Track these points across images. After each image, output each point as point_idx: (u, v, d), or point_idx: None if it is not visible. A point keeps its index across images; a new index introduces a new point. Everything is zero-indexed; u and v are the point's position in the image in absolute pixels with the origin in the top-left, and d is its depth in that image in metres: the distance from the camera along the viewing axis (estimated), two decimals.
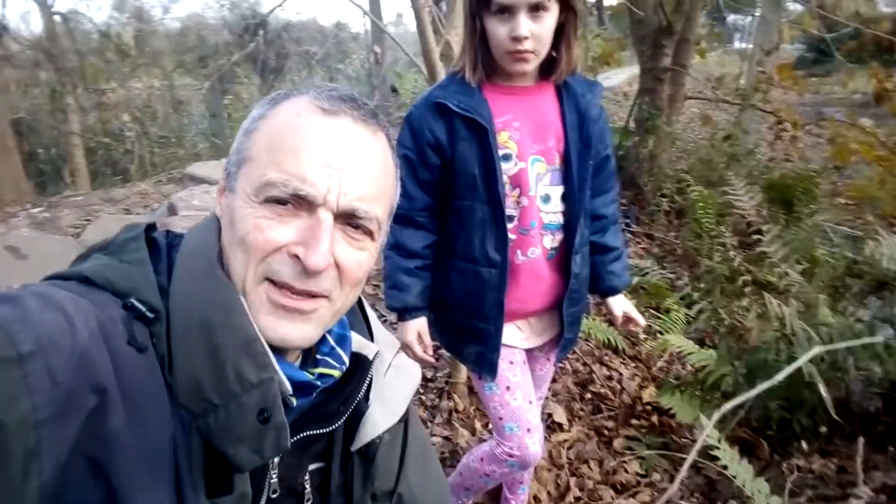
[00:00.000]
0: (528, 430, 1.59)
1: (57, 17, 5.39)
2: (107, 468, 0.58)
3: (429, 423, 2.42)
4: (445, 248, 1.58)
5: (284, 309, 0.70)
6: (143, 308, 0.65)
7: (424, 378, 2.65)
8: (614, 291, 1.70)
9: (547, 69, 1.47)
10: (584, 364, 3.06)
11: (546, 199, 1.50)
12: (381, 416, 0.85)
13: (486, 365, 1.58)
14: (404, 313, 1.59)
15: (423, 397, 2.58)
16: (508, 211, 1.47)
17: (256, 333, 0.68)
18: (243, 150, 0.73)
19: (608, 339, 3.19)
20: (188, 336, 0.66)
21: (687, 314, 3.39)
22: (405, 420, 0.92)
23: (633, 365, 3.23)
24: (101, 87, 6.01)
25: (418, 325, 1.60)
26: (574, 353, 3.11)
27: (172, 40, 16.96)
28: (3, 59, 5.08)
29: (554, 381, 2.88)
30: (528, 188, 1.47)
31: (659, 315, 3.46)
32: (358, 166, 0.71)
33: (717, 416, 0.87)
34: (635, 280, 3.42)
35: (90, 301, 0.63)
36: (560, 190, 1.51)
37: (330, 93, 0.75)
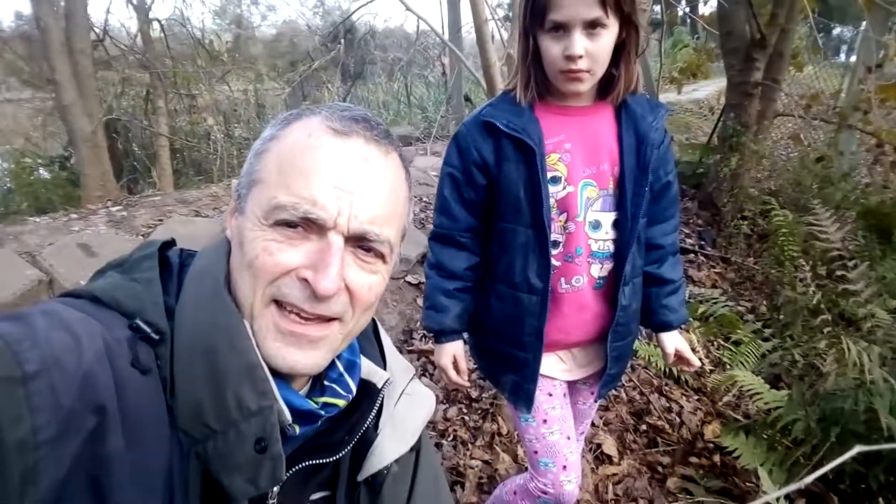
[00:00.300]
0: (565, 467, 1.50)
1: (155, 24, 5.78)
2: (104, 488, 0.57)
3: (469, 445, 2.35)
4: (487, 271, 1.52)
5: (293, 335, 0.69)
6: (148, 330, 0.65)
7: (469, 398, 2.59)
8: (668, 327, 1.58)
9: (606, 89, 1.38)
10: (641, 393, 2.90)
11: (595, 225, 1.40)
12: (390, 446, 0.83)
13: (521, 395, 1.50)
14: (440, 335, 1.54)
15: (466, 417, 2.51)
16: (554, 236, 1.39)
17: (258, 359, 0.67)
18: (254, 172, 0.72)
19: (669, 368, 3.01)
20: (191, 359, 0.65)
21: (761, 345, 3.16)
22: (417, 449, 0.90)
23: (695, 398, 3.02)
24: (192, 92, 6.37)
25: (454, 349, 1.55)
26: (630, 380, 2.96)
27: (268, 46, 17.78)
28: (103, 63, 5.48)
29: (606, 409, 2.74)
30: (575, 213, 1.38)
31: (728, 346, 3.24)
32: (369, 188, 0.70)
33: (786, 490, 0.77)
34: (701, 309, 3.21)
35: (98, 321, 0.63)
36: (612, 216, 1.41)
37: (342, 113, 0.73)
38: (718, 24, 5.25)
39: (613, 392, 2.84)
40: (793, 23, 5.00)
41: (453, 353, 1.55)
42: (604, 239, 1.41)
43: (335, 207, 0.67)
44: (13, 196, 4.91)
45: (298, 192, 0.67)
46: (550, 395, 1.52)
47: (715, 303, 3.23)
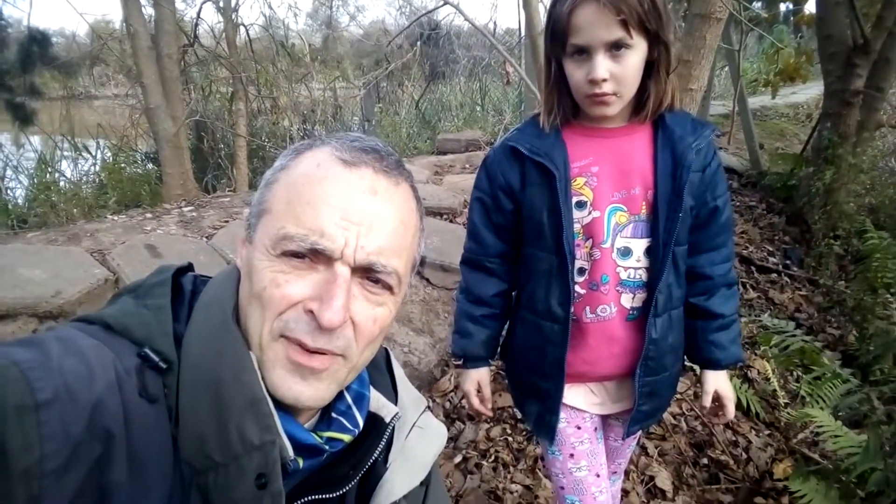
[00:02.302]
0: None
1: (241, 29, 6.02)
2: None
3: (511, 468, 2.28)
4: (516, 297, 1.48)
5: (298, 367, 0.68)
6: (156, 358, 0.66)
7: (514, 418, 2.52)
8: (713, 365, 1.45)
9: (642, 107, 1.30)
10: (704, 424, 2.72)
11: (625, 252, 1.32)
12: (399, 480, 0.82)
13: (543, 427, 1.44)
14: (466, 361, 1.51)
15: (510, 438, 2.44)
16: (580, 263, 1.33)
17: (263, 393, 0.66)
18: (263, 202, 0.72)
19: (738, 398, 2.81)
20: (196, 390, 0.65)
21: (845, 381, 2.89)
22: (427, 484, 0.89)
23: (766, 432, 2.81)
24: (272, 94, 6.61)
25: (478, 375, 1.51)
26: (691, 409, 2.79)
27: (355, 46, 18.27)
28: (191, 66, 5.78)
29: (663, 438, 2.60)
30: (601, 239, 1.31)
31: (808, 379, 2.99)
32: (377, 219, 0.69)
33: None
34: (775, 340, 2.98)
35: (111, 348, 0.64)
36: (644, 243, 1.32)
37: (353, 143, 0.73)
38: (816, 27, 4.91)
39: (672, 421, 2.68)
40: None
41: (477, 380, 1.52)
42: (635, 267, 1.33)
43: (342, 238, 0.67)
44: (105, 190, 5.24)
45: (306, 222, 0.67)
46: (579, 427, 1.45)
47: (792, 336, 2.98)
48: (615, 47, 1.17)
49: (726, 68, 9.38)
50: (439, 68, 13.06)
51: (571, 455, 1.45)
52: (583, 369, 1.40)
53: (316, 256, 0.67)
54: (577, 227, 1.31)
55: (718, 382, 1.45)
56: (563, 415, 1.44)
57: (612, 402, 1.48)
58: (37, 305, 2.36)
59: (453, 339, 1.52)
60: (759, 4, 8.62)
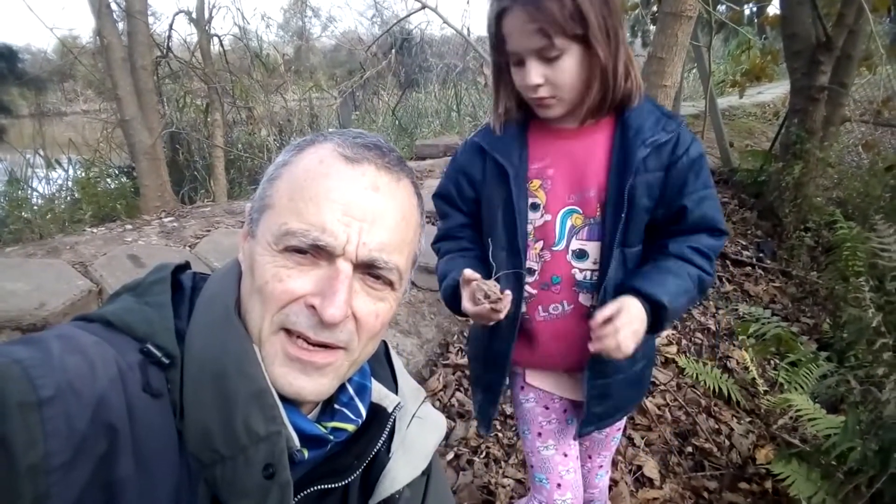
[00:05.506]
0: (559, 485, 1.44)
1: (214, 39, 6.01)
2: None
3: (502, 463, 2.31)
4: None
5: (299, 361, 0.69)
6: (158, 354, 0.66)
7: (503, 414, 2.55)
8: (630, 291, 1.24)
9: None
10: (687, 413, 2.78)
11: (580, 255, 1.31)
12: (402, 470, 0.83)
13: (483, 417, 1.51)
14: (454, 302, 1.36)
15: (500, 434, 2.47)
16: (529, 263, 1.33)
17: (268, 384, 0.67)
18: (266, 197, 0.73)
19: (719, 388, 2.88)
20: (200, 384, 0.66)
21: (820, 366, 2.97)
22: (427, 473, 0.90)
23: (748, 419, 2.88)
24: (248, 105, 6.60)
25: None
26: (675, 399, 2.84)
27: (327, 56, 18.27)
28: (165, 77, 5.76)
29: (648, 429, 2.64)
30: (551, 242, 1.31)
31: (785, 366, 3.07)
32: (379, 216, 0.70)
33: None
34: (753, 328, 3.06)
35: (112, 345, 0.64)
36: (598, 245, 1.30)
37: (355, 140, 0.73)
38: (781, 25, 5.04)
39: (657, 412, 2.74)
40: (863, 23, 4.73)
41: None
42: (591, 269, 1.32)
43: (344, 234, 0.67)
44: (79, 205, 5.18)
45: (308, 218, 0.67)
46: (546, 408, 1.47)
47: (767, 322, 3.06)
48: (545, 54, 1.15)
49: (694, 70, 9.58)
50: (413, 76, 13.14)
51: (539, 434, 1.46)
52: (537, 362, 1.43)
53: (318, 252, 0.68)
54: (529, 227, 1.32)
55: (621, 306, 1.20)
56: (531, 395, 1.46)
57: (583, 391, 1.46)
58: (20, 318, 2.34)
59: (441, 289, 1.38)
60: (723, 8, 8.82)
